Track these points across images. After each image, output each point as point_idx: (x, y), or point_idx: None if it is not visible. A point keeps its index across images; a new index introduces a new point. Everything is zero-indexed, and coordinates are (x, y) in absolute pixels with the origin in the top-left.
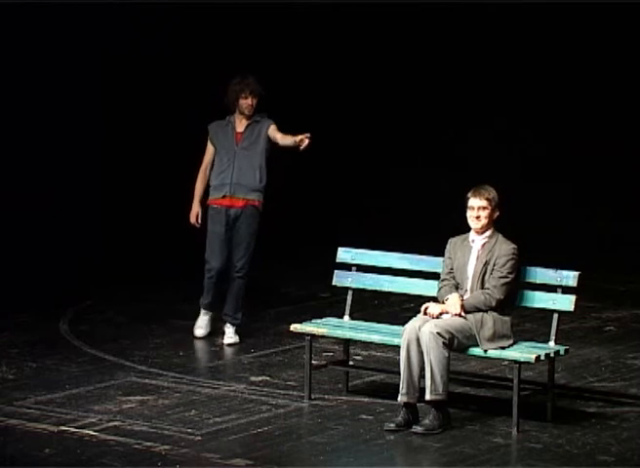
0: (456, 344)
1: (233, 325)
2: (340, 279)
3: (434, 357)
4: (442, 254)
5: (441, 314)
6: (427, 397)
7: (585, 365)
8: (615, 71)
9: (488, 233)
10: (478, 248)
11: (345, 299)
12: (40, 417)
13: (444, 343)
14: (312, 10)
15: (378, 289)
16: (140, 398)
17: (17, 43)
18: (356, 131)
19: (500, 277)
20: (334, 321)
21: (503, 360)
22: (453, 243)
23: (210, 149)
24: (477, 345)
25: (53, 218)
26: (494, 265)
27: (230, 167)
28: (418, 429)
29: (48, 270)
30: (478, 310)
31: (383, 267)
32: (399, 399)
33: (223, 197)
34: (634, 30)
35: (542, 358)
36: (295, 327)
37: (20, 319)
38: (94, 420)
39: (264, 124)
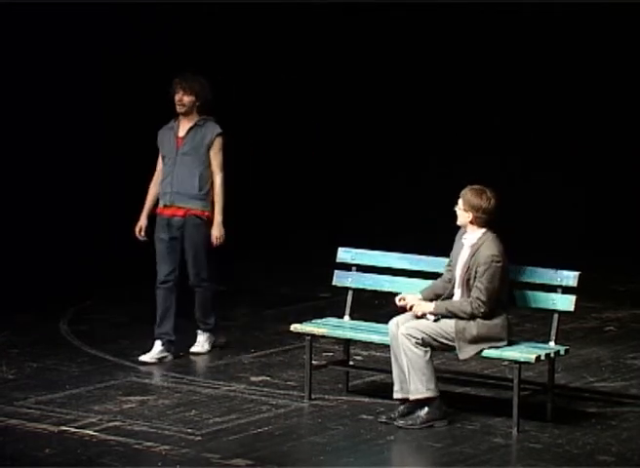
0: (437, 344)
1: (205, 331)
2: (340, 279)
3: (410, 357)
4: (441, 254)
5: (423, 316)
6: (410, 397)
7: (585, 365)
8: (618, 70)
9: (478, 234)
10: (468, 246)
11: (345, 299)
12: (40, 417)
13: (417, 343)
14: (312, 10)
15: (377, 289)
16: (141, 398)
17: (17, 43)
18: (356, 130)
19: (481, 288)
20: (334, 321)
21: (503, 360)
22: (458, 234)
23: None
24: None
25: (53, 218)
26: (475, 272)
27: (171, 174)
28: (399, 423)
29: (48, 270)
30: (456, 317)
31: (383, 267)
32: (394, 395)
33: (165, 206)
34: (634, 30)
35: (543, 358)
36: (295, 327)
37: (20, 319)
38: (94, 420)
39: (209, 131)
